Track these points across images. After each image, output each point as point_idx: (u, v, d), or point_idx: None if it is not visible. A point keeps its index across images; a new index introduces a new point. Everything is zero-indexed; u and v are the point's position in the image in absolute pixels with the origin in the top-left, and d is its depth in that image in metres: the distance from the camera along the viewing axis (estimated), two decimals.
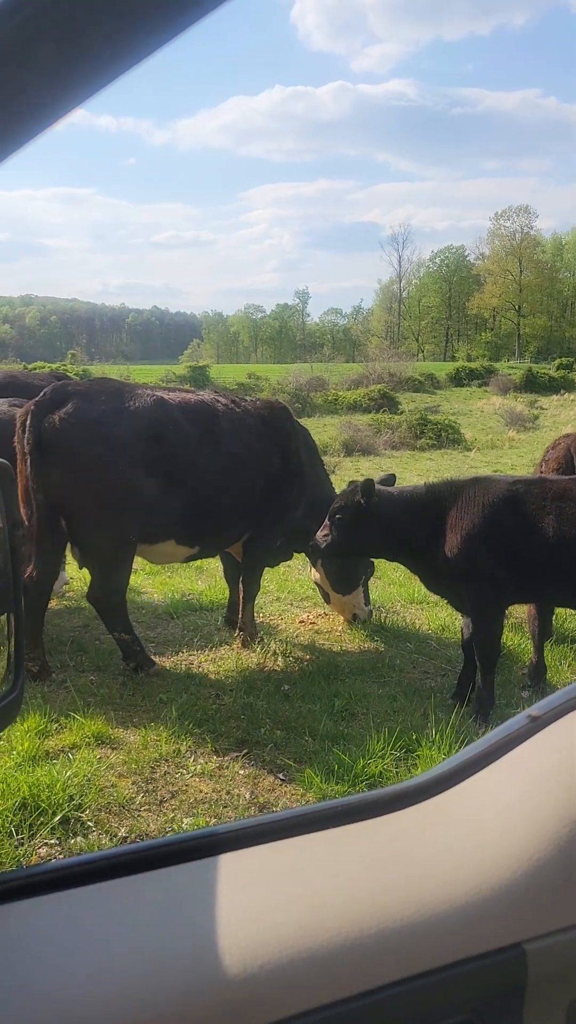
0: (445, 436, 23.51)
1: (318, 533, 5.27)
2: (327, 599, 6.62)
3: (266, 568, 6.53)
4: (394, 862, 1.02)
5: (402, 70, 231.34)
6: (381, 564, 7.13)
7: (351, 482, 5.22)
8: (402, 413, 28.96)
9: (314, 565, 6.52)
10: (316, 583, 6.70)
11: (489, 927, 0.96)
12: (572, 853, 1.00)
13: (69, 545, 5.55)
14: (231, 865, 1.00)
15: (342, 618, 6.64)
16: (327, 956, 0.89)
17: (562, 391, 42.47)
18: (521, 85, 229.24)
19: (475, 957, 0.95)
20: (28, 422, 5.02)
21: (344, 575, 6.36)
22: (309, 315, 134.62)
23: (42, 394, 5.18)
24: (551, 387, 43.98)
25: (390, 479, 5.42)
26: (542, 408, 34.72)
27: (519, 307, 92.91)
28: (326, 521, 5.19)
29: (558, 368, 52.36)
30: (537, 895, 0.98)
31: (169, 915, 0.92)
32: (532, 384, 44.17)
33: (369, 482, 4.98)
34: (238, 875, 0.99)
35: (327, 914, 0.93)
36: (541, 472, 5.85)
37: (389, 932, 0.92)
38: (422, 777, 1.15)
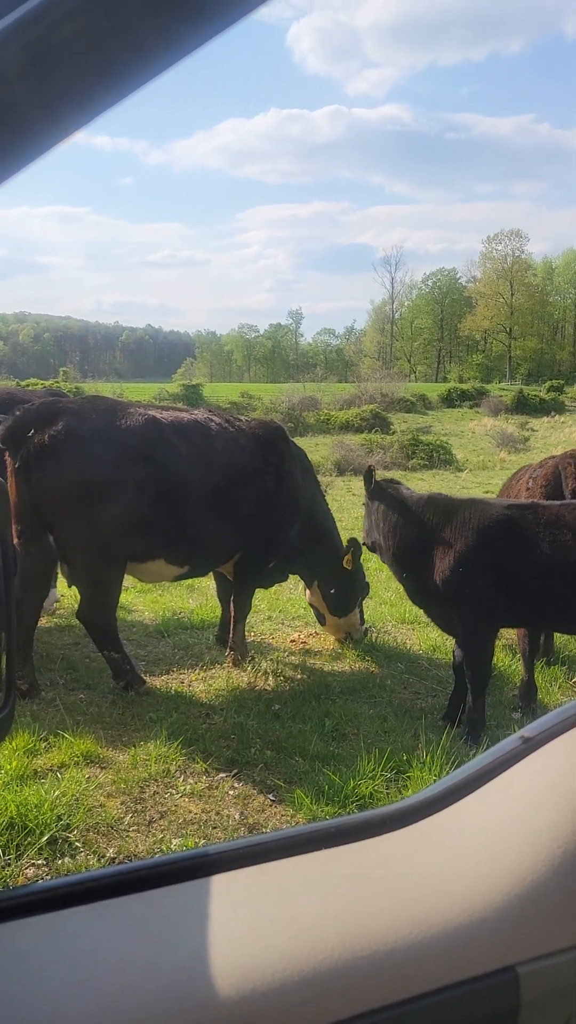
0: (437, 457, 23.63)
1: None
2: (322, 620, 6.58)
3: (259, 588, 6.51)
4: (385, 884, 1.01)
5: (397, 94, 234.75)
6: (372, 584, 7.13)
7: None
8: (394, 433, 29.07)
9: (308, 587, 6.50)
10: (311, 604, 6.65)
11: (481, 950, 0.95)
12: (566, 875, 0.99)
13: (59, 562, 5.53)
14: (220, 887, 0.99)
15: (333, 638, 6.61)
16: (317, 979, 0.88)
17: (553, 413, 42.81)
18: (515, 111, 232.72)
19: (467, 980, 0.94)
20: None
21: (341, 597, 6.33)
22: (302, 335, 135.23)
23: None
24: (542, 409, 44.37)
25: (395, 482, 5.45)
26: (533, 430, 34.92)
27: (510, 329, 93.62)
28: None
29: (549, 390, 52.74)
30: (531, 918, 0.97)
31: (158, 937, 0.91)
32: (523, 406, 44.53)
33: (370, 469, 5.08)
34: (227, 897, 0.98)
35: (317, 937, 0.92)
36: (528, 492, 5.87)
37: (379, 955, 0.91)
38: (413, 799, 1.15)
